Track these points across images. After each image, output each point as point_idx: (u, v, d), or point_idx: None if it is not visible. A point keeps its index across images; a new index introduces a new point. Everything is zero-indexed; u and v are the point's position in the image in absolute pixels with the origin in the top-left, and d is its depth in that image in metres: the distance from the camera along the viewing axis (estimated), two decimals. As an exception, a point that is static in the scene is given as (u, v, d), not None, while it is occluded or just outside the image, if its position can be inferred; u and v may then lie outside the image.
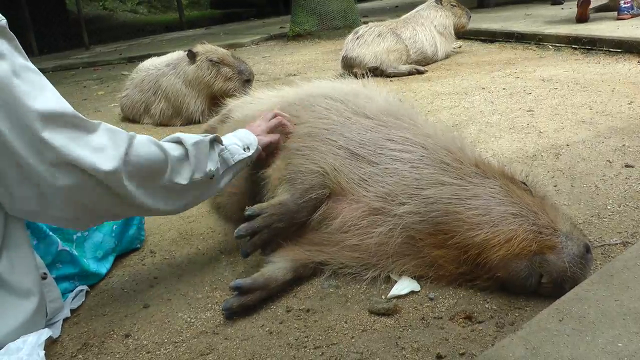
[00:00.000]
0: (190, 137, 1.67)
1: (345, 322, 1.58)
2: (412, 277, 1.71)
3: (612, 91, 3.71)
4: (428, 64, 5.57)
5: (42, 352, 1.38)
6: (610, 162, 2.50)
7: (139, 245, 2.22)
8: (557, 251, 1.51)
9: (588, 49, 5.25)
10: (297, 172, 1.81)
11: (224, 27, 13.25)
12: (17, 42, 1.33)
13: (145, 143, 1.54)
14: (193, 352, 1.52)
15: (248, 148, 1.83)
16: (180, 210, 1.72)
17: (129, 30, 14.61)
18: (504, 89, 4.17)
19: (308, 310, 1.65)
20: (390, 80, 5.08)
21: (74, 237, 1.91)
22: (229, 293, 1.78)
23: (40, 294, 1.53)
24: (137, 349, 1.57)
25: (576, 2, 6.25)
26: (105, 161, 1.40)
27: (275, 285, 1.72)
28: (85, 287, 1.89)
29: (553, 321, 1.25)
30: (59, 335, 1.66)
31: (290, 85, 2.43)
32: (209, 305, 1.76)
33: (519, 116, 3.41)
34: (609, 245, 1.81)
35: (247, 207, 1.77)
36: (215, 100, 3.84)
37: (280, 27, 10.50)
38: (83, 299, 1.85)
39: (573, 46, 5.44)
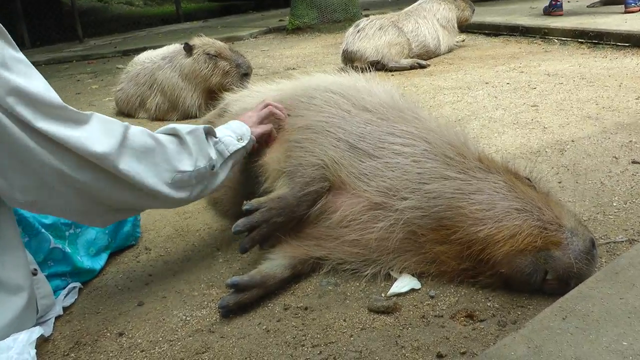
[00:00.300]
0: (184, 126, 1.69)
1: (344, 321, 1.58)
2: (412, 275, 1.72)
3: (620, 86, 3.70)
4: (430, 58, 5.57)
5: (33, 351, 1.37)
6: (617, 159, 2.50)
7: (134, 243, 2.22)
8: (562, 247, 1.51)
9: (595, 43, 5.25)
10: (297, 165, 1.81)
11: (221, 20, 13.24)
12: (7, 33, 1.33)
13: (140, 134, 1.55)
14: (188, 351, 1.52)
15: (241, 139, 1.84)
16: (187, 202, 1.72)
17: (124, 23, 14.57)
18: (508, 83, 4.17)
19: (306, 308, 1.65)
20: (392, 75, 5.08)
21: (67, 233, 1.91)
22: (225, 290, 1.78)
23: (31, 290, 1.52)
24: (131, 348, 1.57)
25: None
26: (98, 145, 1.40)
27: (272, 283, 1.72)
28: (78, 285, 1.89)
29: (556, 319, 1.25)
30: (51, 334, 1.66)
31: (289, 78, 2.42)
32: (205, 303, 1.75)
33: (523, 111, 3.41)
34: (614, 242, 1.81)
35: (245, 202, 1.77)
36: (212, 94, 3.83)
37: (280, 20, 10.48)
38: (76, 297, 1.85)
39: (579, 40, 5.44)
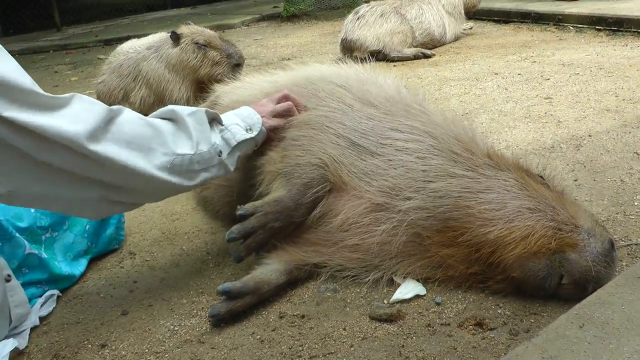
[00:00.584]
0: (184, 108, 1.66)
1: (344, 329, 1.58)
2: (417, 280, 1.72)
3: (641, 76, 3.71)
4: (435, 47, 5.57)
5: (7, 365, 1.37)
6: (638, 155, 2.51)
7: (117, 247, 2.22)
8: (579, 249, 1.51)
9: (614, 30, 5.26)
10: (295, 165, 1.80)
11: (211, 7, 13.23)
12: None
13: (132, 119, 1.53)
14: (176, 363, 1.52)
15: (251, 129, 1.80)
16: (189, 188, 1.69)
17: (106, 10, 14.54)
18: (519, 74, 4.17)
19: (303, 317, 1.65)
20: (394, 65, 5.08)
21: (43, 238, 1.90)
22: (216, 298, 1.78)
23: (3, 298, 1.52)
24: (114, 360, 1.57)
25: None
26: (71, 127, 1.37)
27: (267, 289, 1.71)
28: (56, 292, 1.88)
29: (573, 327, 1.25)
30: (26, 346, 1.65)
31: (284, 69, 2.42)
32: (194, 311, 1.75)
33: (536, 104, 3.42)
34: (635, 244, 1.81)
35: (239, 207, 1.76)
36: (201, 87, 3.84)
37: (274, 7, 10.48)
38: (54, 305, 1.85)
39: (597, 27, 5.45)
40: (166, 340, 1.63)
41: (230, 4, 13.33)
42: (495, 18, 6.77)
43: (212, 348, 1.56)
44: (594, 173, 2.38)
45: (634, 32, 5.08)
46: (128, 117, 1.53)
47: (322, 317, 1.64)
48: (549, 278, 1.52)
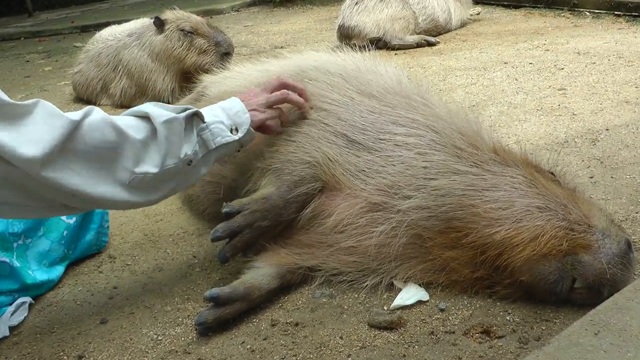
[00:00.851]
0: (160, 112, 1.57)
1: (341, 338, 1.58)
2: (419, 284, 1.73)
3: (663, 66, 3.73)
4: (440, 33, 5.58)
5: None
6: (657, 149, 2.52)
7: (97, 251, 2.21)
8: (592, 250, 1.52)
9: (634, 16, 5.27)
10: (285, 161, 1.81)
11: (198, -9, 13.17)
12: None
13: (98, 126, 1.48)
14: (159, 375, 1.53)
15: (236, 129, 1.71)
16: (152, 203, 1.67)
17: (83, -6, 14.48)
18: (530, 63, 4.18)
19: (297, 324, 1.66)
20: (395, 54, 5.09)
21: (15, 245, 1.89)
22: (203, 305, 1.78)
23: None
24: (93, 372, 1.58)
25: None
26: (26, 148, 1.34)
27: (258, 295, 1.72)
28: (28, 300, 1.88)
29: (587, 335, 1.26)
30: (-3, 358, 1.66)
31: (277, 58, 2.43)
32: (180, 319, 1.76)
33: (549, 95, 3.43)
34: (653, 246, 1.82)
35: (224, 204, 1.77)
36: (187, 77, 3.83)
37: (266, -10, 10.45)
38: (25, 314, 1.84)
39: (616, 12, 5.46)
40: (149, 351, 1.63)
41: (219, -12, 13.29)
42: (505, 3, 6.78)
43: (199, 359, 1.57)
44: (612, 169, 2.40)
45: (656, 18, 5.09)
46: (93, 124, 1.48)
47: (317, 325, 1.65)
48: (560, 282, 1.53)
